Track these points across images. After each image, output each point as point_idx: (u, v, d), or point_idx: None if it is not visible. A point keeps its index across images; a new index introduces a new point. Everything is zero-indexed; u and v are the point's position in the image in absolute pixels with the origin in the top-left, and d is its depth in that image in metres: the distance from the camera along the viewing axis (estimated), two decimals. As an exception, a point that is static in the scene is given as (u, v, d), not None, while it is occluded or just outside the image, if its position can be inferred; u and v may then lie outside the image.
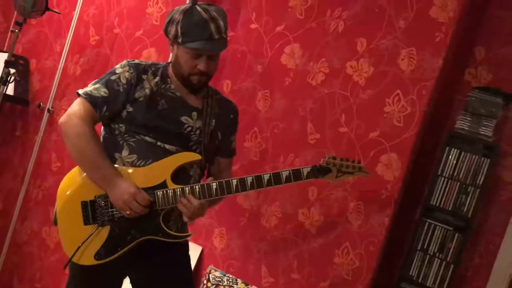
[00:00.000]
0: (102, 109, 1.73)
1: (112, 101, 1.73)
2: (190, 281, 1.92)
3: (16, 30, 2.69)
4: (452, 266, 2.39)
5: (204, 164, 1.84)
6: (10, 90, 2.88)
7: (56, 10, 2.81)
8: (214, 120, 1.85)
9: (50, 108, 3.05)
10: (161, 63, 1.89)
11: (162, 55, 2.78)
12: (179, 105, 1.79)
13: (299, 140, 2.55)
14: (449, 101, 2.61)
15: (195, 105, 1.82)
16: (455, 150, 2.44)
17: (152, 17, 2.83)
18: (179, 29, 1.72)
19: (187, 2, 2.75)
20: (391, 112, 2.38)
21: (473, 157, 2.41)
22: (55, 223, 1.77)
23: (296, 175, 1.74)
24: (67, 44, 3.05)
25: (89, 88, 1.76)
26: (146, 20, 2.84)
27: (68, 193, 1.76)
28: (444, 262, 2.41)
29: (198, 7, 1.73)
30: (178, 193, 1.70)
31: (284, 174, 1.73)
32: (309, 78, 2.55)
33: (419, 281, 2.43)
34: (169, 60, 2.70)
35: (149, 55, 2.82)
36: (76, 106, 1.75)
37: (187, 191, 1.69)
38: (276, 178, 1.72)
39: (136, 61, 1.82)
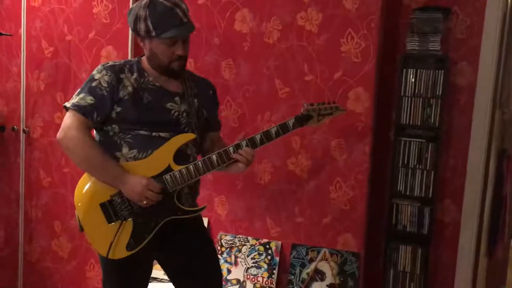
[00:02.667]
0: (93, 116, 1.83)
1: (100, 106, 1.83)
2: (210, 242, 2.12)
3: (-28, 62, 2.69)
4: (432, 172, 2.65)
5: (198, 141, 1.98)
6: (-19, 121, 2.91)
7: (7, 33, 2.81)
8: (196, 100, 1.98)
9: (25, 129, 3.09)
10: (132, 59, 1.98)
11: (121, 51, 2.84)
12: (162, 94, 1.90)
13: (271, 98, 2.71)
14: (395, 27, 2.80)
15: (176, 91, 1.94)
16: (411, 70, 2.65)
17: (101, 16, 2.87)
18: (149, 24, 1.80)
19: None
20: (348, 50, 2.56)
21: (429, 72, 2.63)
22: (82, 229, 1.89)
23: (283, 128, 1.92)
24: (23, 63, 3.06)
25: (75, 99, 1.85)
26: (95, 21, 2.88)
27: (84, 200, 1.87)
28: (425, 171, 2.66)
29: None
30: (184, 172, 1.84)
31: (273, 130, 1.90)
32: (266, 38, 2.69)
33: (408, 193, 2.69)
34: (129, 56, 2.78)
35: (108, 54, 2.88)
36: (68, 120, 1.84)
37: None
38: (267, 136, 1.90)
39: (110, 62, 1.91)
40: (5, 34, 2.73)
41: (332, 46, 2.57)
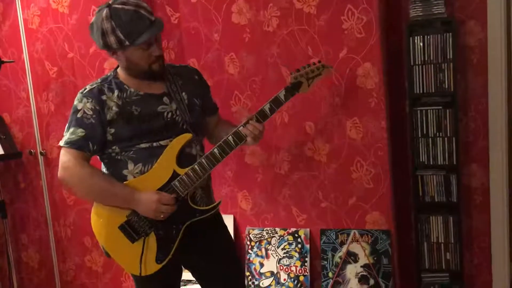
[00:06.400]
0: (89, 147, 1.80)
1: (93, 135, 1.79)
2: (230, 239, 2.13)
3: (-20, 93, 2.72)
4: (453, 138, 2.58)
5: (199, 136, 1.95)
6: (-1, 150, 2.95)
7: (10, 60, 2.83)
8: (184, 93, 1.92)
9: (42, 151, 3.12)
10: (108, 75, 1.90)
11: (123, 60, 2.83)
12: (149, 100, 1.85)
13: (279, 86, 2.60)
14: (396, -5, 2.72)
15: (161, 92, 1.89)
16: (418, 37, 2.57)
17: (98, 29, 2.85)
18: (120, 34, 1.73)
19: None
20: (350, 27, 2.49)
21: (436, 36, 2.55)
22: (108, 256, 1.89)
23: (276, 102, 1.95)
24: (30, 87, 3.08)
25: (66, 136, 1.82)
26: (94, 35, 2.87)
27: (102, 227, 1.87)
28: (446, 139, 2.59)
29: (117, 5, 1.74)
30: (191, 174, 1.82)
31: (267, 107, 1.92)
32: (265, 26, 2.64)
33: (431, 163, 2.62)
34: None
35: (111, 66, 2.86)
36: (64, 157, 1.81)
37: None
38: (261, 115, 1.91)
39: (88, 87, 1.85)
40: (7, 62, 2.74)
41: (333, 25, 2.51)
